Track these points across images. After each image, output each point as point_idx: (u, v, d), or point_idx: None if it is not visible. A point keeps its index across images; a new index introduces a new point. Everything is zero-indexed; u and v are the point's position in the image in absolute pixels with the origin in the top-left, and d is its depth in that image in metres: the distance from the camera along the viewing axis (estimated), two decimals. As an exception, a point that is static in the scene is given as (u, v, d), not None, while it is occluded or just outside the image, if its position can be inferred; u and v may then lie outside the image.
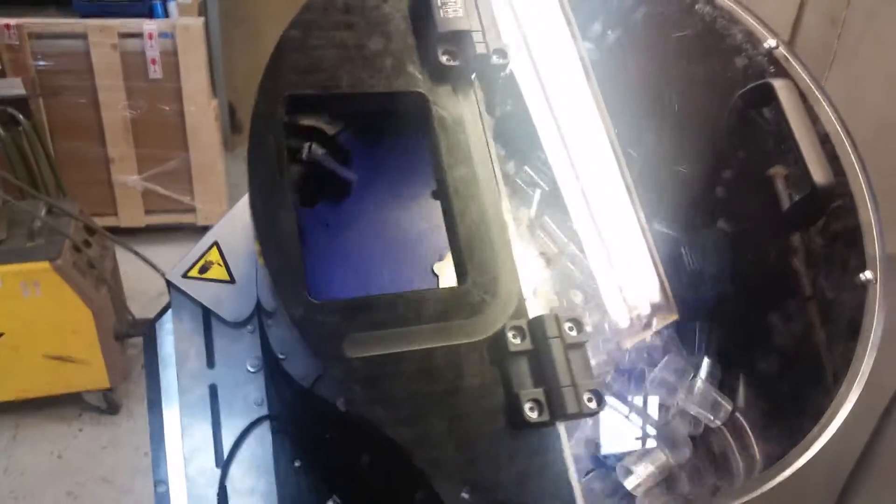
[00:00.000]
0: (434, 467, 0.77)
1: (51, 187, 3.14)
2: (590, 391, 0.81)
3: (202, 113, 3.60)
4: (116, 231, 3.68)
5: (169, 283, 1.10)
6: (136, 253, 2.94)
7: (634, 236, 1.06)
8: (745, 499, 0.83)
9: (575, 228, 1.08)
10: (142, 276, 3.41)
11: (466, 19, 0.93)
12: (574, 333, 0.83)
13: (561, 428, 0.81)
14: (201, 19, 3.50)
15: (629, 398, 1.11)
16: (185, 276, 1.10)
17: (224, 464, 1.01)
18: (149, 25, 3.37)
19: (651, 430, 1.06)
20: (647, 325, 1.11)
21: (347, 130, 1.19)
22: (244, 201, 1.15)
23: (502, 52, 0.96)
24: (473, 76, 0.96)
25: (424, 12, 0.94)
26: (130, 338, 3.30)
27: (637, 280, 1.07)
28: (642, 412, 1.08)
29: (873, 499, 1.62)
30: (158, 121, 3.58)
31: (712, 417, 1.04)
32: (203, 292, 1.09)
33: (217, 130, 3.74)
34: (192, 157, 3.69)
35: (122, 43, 3.38)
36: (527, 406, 0.79)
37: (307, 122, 1.16)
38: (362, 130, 1.18)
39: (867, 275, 0.97)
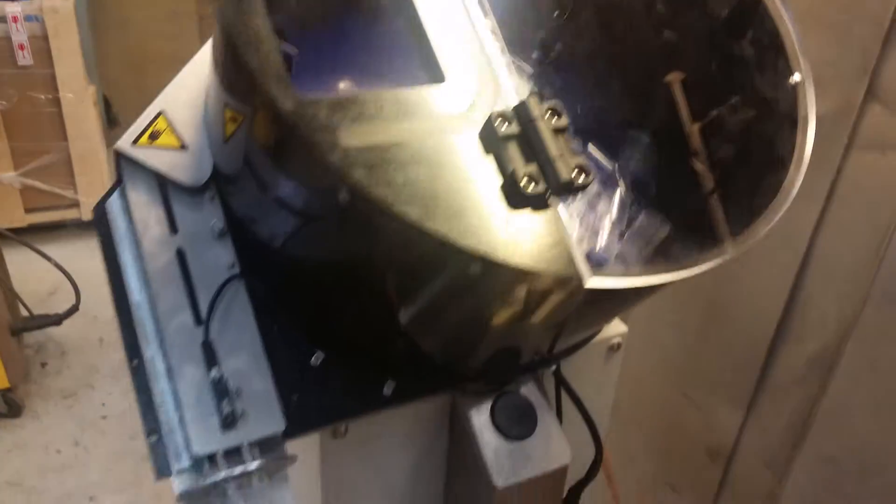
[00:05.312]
0: (443, 244, 0.77)
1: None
2: (577, 166, 0.84)
3: (80, 100, 3.44)
4: (-5, 232, 3.46)
5: (118, 154, 1.06)
6: (28, 245, 2.79)
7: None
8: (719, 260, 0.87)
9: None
10: (29, 275, 3.24)
11: None
12: (555, 120, 0.86)
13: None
14: (71, 1, 3.35)
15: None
16: (134, 143, 1.06)
17: (206, 319, 0.99)
18: (12, 8, 3.19)
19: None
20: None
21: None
22: (186, 71, 1.12)
23: None
24: None
25: None
26: (28, 331, 3.12)
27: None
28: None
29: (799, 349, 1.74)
30: (32, 111, 3.39)
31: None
32: (156, 159, 1.05)
33: (97, 117, 3.58)
34: (72, 148, 3.52)
35: (-15, 29, 3.19)
36: (524, 180, 0.81)
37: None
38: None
39: (796, 77, 1.05)
